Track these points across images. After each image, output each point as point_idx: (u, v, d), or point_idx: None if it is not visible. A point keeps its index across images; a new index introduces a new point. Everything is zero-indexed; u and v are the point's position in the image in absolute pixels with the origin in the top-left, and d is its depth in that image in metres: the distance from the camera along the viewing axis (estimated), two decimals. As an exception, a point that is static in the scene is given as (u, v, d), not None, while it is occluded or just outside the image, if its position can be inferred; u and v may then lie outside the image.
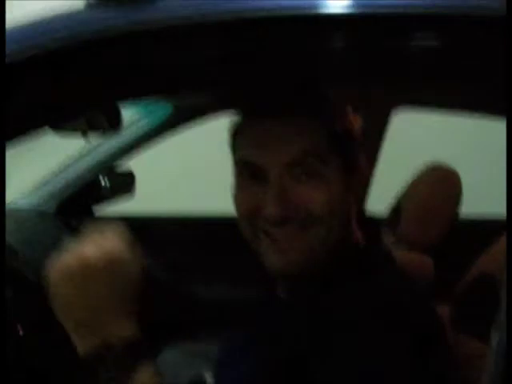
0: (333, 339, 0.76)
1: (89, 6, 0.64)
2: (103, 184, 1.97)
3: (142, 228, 2.01)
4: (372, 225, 0.92)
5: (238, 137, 0.87)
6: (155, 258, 1.92)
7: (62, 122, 1.17)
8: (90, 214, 1.98)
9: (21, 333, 1.19)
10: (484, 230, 1.33)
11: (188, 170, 2.66)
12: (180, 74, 0.66)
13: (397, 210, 1.57)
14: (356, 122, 0.88)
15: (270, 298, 0.95)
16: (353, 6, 0.67)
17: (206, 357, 1.51)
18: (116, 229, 0.77)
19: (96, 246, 0.75)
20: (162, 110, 1.84)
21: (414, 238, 1.47)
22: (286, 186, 0.81)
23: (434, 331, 0.80)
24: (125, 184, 2.03)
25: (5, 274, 1.14)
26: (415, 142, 1.92)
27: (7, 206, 1.81)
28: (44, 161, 2.00)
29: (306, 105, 0.84)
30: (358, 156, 0.88)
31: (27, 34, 0.65)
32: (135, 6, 0.60)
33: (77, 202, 1.93)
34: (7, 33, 0.67)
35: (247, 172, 0.84)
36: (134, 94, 0.71)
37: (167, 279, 1.92)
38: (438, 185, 1.49)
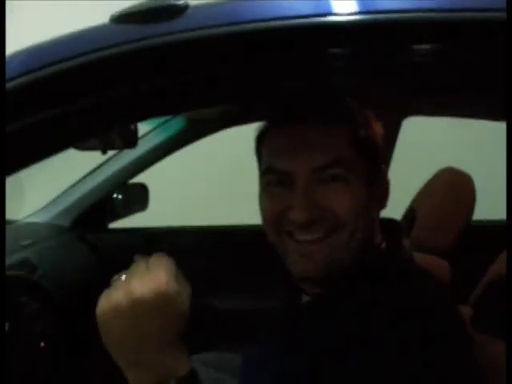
0: (357, 344, 0.76)
1: (112, 22, 0.65)
2: (117, 197, 1.99)
3: (156, 240, 2.05)
4: (394, 229, 0.92)
5: (264, 145, 0.88)
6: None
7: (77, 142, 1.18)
8: (104, 228, 2.00)
9: (42, 344, 1.21)
10: (497, 234, 1.34)
11: (202, 181, 2.68)
12: (203, 88, 0.67)
13: (411, 214, 1.57)
14: (378, 128, 0.90)
15: (292, 307, 0.96)
16: (367, 15, 0.68)
17: (219, 367, 1.52)
18: (163, 261, 0.76)
19: (144, 281, 0.72)
20: (176, 123, 1.86)
21: (428, 242, 1.47)
22: (313, 191, 0.82)
23: (457, 333, 0.81)
24: (138, 197, 2.05)
25: (24, 287, 1.15)
26: (429, 146, 1.93)
27: (24, 220, 1.84)
28: (60, 176, 2.03)
29: (331, 112, 0.85)
30: (381, 162, 0.89)
31: (51, 50, 0.66)
32: (157, 23, 0.62)
33: (91, 216, 1.95)
34: (29, 50, 0.69)
35: (274, 179, 0.85)
36: (156, 112, 0.72)
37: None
38: (452, 190, 1.49)
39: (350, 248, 0.84)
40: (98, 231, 1.95)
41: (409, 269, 0.88)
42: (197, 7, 0.65)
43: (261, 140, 0.89)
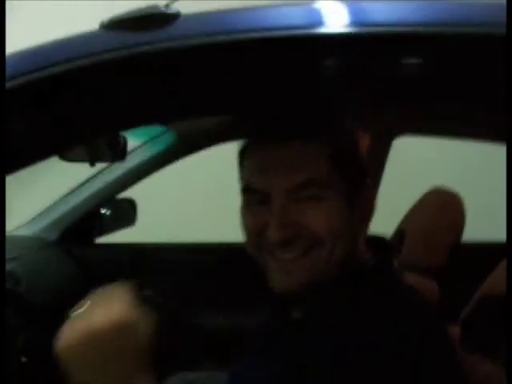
0: (339, 356, 0.77)
1: (102, 29, 0.65)
2: (105, 212, 1.98)
3: (143, 256, 2.03)
4: (383, 246, 0.92)
5: (244, 162, 0.89)
6: (156, 286, 1.91)
7: (64, 150, 1.17)
8: (91, 243, 1.99)
9: (23, 359, 1.18)
10: (487, 254, 1.34)
11: (189, 197, 2.67)
12: (188, 99, 0.67)
13: (400, 234, 1.57)
14: (363, 142, 0.90)
15: (277, 322, 0.95)
16: (357, 29, 0.69)
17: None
18: (121, 291, 0.76)
19: (102, 312, 0.74)
20: (166, 137, 1.85)
21: (417, 261, 1.47)
22: (289, 210, 0.82)
23: (442, 350, 0.80)
24: (126, 212, 2.04)
25: (7, 299, 1.13)
26: (418, 166, 1.94)
27: (10, 233, 1.82)
28: (46, 189, 2.01)
29: (310, 129, 0.85)
30: (363, 178, 0.89)
31: (38, 57, 0.65)
32: (146, 30, 0.62)
33: (78, 231, 1.93)
34: (18, 55, 0.68)
35: (253, 197, 0.86)
36: (141, 121, 0.71)
37: (170, 309, 1.90)
38: (441, 210, 1.49)
39: (329, 264, 0.84)
40: (85, 246, 1.94)
41: (396, 285, 0.88)
42: (189, 16, 0.65)
43: (242, 156, 0.89)
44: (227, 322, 1.85)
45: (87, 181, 1.92)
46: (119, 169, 1.88)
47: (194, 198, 2.64)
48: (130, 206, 2.03)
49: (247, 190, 0.87)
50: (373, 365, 0.74)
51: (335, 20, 0.69)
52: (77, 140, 0.73)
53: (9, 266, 1.46)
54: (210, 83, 0.67)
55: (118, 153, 1.44)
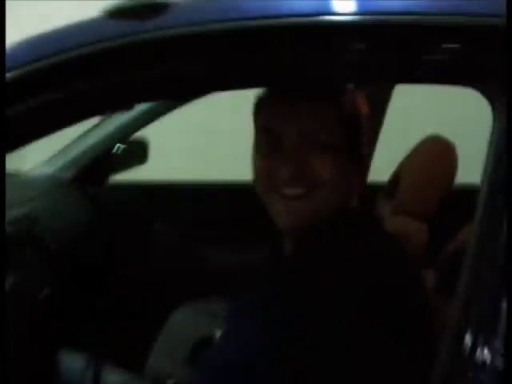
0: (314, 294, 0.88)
1: (103, 17, 0.72)
2: (117, 152, 2.07)
3: (154, 194, 2.14)
4: (369, 195, 1.05)
5: (261, 107, 1.02)
6: (169, 224, 2.04)
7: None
8: (105, 182, 2.09)
9: (44, 292, 1.29)
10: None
11: (200, 139, 2.74)
12: (187, 79, 0.75)
13: (395, 180, 1.65)
14: (363, 108, 1.02)
15: (276, 257, 1.08)
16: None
17: (214, 316, 1.64)
18: None
19: None
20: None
21: (410, 206, 1.54)
22: (299, 152, 0.95)
23: (409, 293, 0.91)
24: (138, 152, 2.13)
25: (24, 240, 1.23)
26: (414, 114, 1.98)
27: (27, 174, 1.93)
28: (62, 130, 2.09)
29: (323, 90, 0.97)
30: (363, 136, 1.01)
31: (43, 43, 0.73)
32: (145, 19, 0.69)
33: (93, 170, 2.03)
34: (22, 43, 0.76)
35: (266, 138, 0.98)
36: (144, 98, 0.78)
37: (180, 243, 2.03)
38: (433, 158, 1.56)
39: (328, 206, 0.97)
40: (99, 184, 2.04)
41: (374, 230, 1.02)
42: (177, 5, 0.72)
43: (258, 104, 1.02)
44: (232, 257, 1.98)
45: (102, 122, 2.00)
46: (132, 111, 1.96)
47: (205, 137, 2.71)
48: (142, 145, 2.12)
49: (262, 132, 0.99)
50: (343, 307, 0.85)
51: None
52: (77, 119, 0.81)
53: (26, 208, 1.58)
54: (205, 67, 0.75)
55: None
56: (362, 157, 1.01)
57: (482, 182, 0.73)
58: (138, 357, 1.55)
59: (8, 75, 0.70)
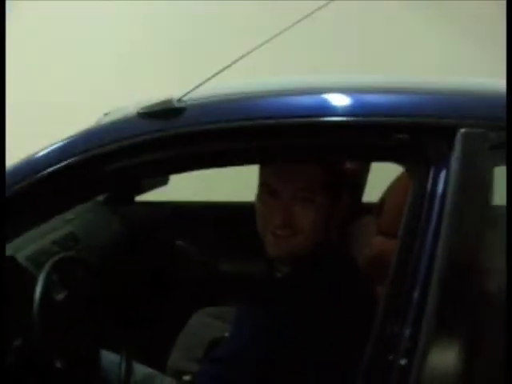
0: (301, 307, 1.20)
1: (138, 116, 1.02)
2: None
3: (174, 212, 2.41)
4: (342, 232, 1.34)
5: (264, 168, 1.31)
6: (187, 240, 2.31)
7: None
8: (132, 201, 2.36)
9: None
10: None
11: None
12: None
13: (381, 203, 1.91)
14: (349, 170, 1.37)
15: (270, 277, 1.39)
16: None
17: (226, 320, 1.89)
18: None
19: None
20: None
21: (391, 227, 1.79)
22: (290, 205, 1.24)
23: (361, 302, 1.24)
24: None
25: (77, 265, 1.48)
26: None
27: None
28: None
29: (310, 160, 1.26)
30: (345, 193, 1.33)
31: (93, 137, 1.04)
32: (169, 118, 0.99)
33: (121, 192, 2.30)
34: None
35: (267, 191, 1.27)
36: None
37: (197, 255, 2.31)
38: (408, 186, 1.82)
39: (307, 243, 1.28)
40: (127, 204, 2.32)
41: (341, 260, 1.34)
42: (194, 107, 1.01)
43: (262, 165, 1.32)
44: (241, 269, 2.24)
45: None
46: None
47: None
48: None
49: (264, 185, 1.29)
50: (316, 311, 1.18)
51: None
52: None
53: (70, 227, 1.86)
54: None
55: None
56: (342, 205, 1.32)
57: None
58: (161, 355, 1.79)
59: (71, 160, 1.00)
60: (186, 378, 1.68)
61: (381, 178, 1.89)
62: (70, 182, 1.03)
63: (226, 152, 1.03)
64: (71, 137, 1.04)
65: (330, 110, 1.04)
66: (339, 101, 1.07)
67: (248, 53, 1.06)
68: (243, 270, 2.23)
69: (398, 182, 1.86)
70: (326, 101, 1.06)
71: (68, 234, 1.81)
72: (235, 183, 2.49)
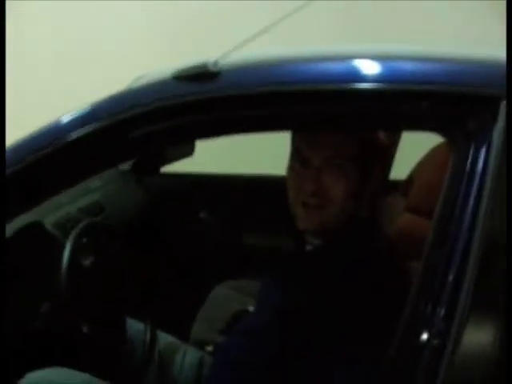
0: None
1: (173, 80, 0.99)
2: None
3: (198, 184, 2.40)
4: (373, 209, 1.31)
5: (297, 136, 1.27)
6: (211, 212, 2.30)
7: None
8: (157, 171, 2.36)
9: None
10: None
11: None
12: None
13: (410, 180, 1.88)
14: (381, 143, 1.29)
15: (299, 250, 1.35)
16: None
17: (249, 293, 1.89)
18: None
19: None
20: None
21: (422, 205, 1.76)
22: (321, 173, 1.21)
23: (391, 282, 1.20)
24: (185, 145, 2.38)
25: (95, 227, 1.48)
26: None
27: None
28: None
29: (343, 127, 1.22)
30: (377, 166, 1.28)
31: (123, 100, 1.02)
32: (204, 82, 0.96)
33: (146, 160, 2.29)
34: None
35: (299, 159, 1.24)
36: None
37: (221, 228, 2.30)
38: (445, 161, 1.77)
39: (337, 217, 1.24)
40: (152, 174, 2.31)
41: (374, 236, 1.30)
42: (229, 72, 0.98)
43: (295, 133, 1.30)
44: (265, 241, 2.24)
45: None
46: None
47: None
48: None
49: (296, 154, 1.25)
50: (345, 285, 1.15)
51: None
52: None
53: (96, 196, 1.86)
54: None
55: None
56: (374, 179, 1.28)
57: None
58: (185, 325, 1.81)
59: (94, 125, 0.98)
60: (209, 348, 1.68)
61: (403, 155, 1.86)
62: (97, 147, 1.01)
63: (259, 117, 1.00)
64: (102, 100, 1.02)
65: (365, 77, 1.00)
66: (375, 67, 1.03)
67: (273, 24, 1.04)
68: (267, 244, 2.22)
69: (428, 158, 1.83)
70: (361, 67, 1.02)
71: (94, 203, 1.81)
72: (262, 155, 2.48)
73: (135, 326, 1.51)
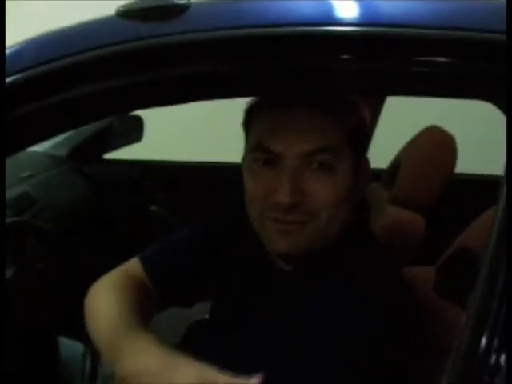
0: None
1: (117, 17, 0.69)
2: (112, 129, 2.05)
3: (148, 172, 2.13)
4: (365, 209, 0.99)
5: (254, 120, 0.91)
6: (160, 201, 2.03)
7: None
8: (99, 159, 2.08)
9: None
10: (477, 190, 1.43)
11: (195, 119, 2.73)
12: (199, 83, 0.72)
13: (394, 169, 1.65)
14: (367, 116, 0.93)
15: (274, 274, 0.98)
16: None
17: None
18: None
19: None
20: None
21: (408, 196, 1.55)
22: (299, 176, 0.84)
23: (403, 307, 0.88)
24: (133, 129, 2.12)
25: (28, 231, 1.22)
26: (415, 106, 1.99)
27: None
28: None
29: (324, 100, 0.86)
30: (366, 150, 0.95)
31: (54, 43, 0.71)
32: (160, 20, 0.66)
33: (87, 147, 2.02)
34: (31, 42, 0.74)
35: (262, 157, 0.87)
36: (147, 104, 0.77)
37: (173, 222, 2.03)
38: (434, 147, 1.56)
39: (326, 233, 0.88)
40: (94, 162, 2.03)
41: (370, 249, 0.95)
42: (199, 6, 0.69)
43: (251, 115, 0.92)
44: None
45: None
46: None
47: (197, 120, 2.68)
48: (137, 123, 2.10)
49: (256, 149, 0.87)
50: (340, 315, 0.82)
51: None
52: (79, 123, 0.79)
53: (23, 187, 1.56)
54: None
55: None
56: (365, 168, 0.93)
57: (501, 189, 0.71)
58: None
59: (15, 77, 0.68)
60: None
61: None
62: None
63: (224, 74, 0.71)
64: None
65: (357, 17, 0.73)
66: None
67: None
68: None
69: (415, 143, 1.62)
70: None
71: (22, 194, 1.51)
72: (219, 141, 2.23)
73: (72, 348, 1.23)
